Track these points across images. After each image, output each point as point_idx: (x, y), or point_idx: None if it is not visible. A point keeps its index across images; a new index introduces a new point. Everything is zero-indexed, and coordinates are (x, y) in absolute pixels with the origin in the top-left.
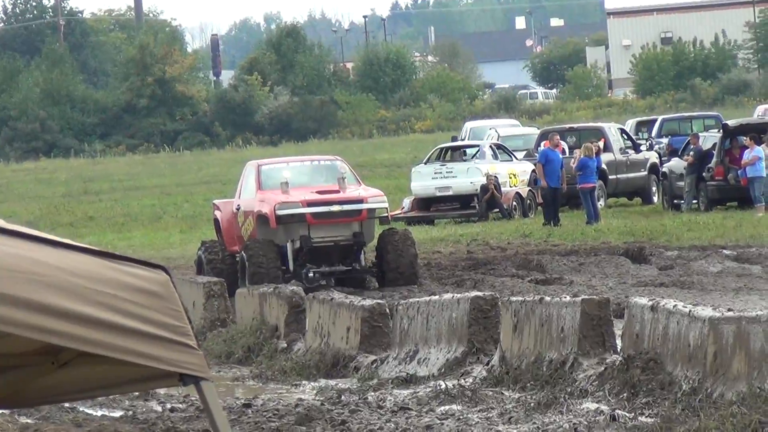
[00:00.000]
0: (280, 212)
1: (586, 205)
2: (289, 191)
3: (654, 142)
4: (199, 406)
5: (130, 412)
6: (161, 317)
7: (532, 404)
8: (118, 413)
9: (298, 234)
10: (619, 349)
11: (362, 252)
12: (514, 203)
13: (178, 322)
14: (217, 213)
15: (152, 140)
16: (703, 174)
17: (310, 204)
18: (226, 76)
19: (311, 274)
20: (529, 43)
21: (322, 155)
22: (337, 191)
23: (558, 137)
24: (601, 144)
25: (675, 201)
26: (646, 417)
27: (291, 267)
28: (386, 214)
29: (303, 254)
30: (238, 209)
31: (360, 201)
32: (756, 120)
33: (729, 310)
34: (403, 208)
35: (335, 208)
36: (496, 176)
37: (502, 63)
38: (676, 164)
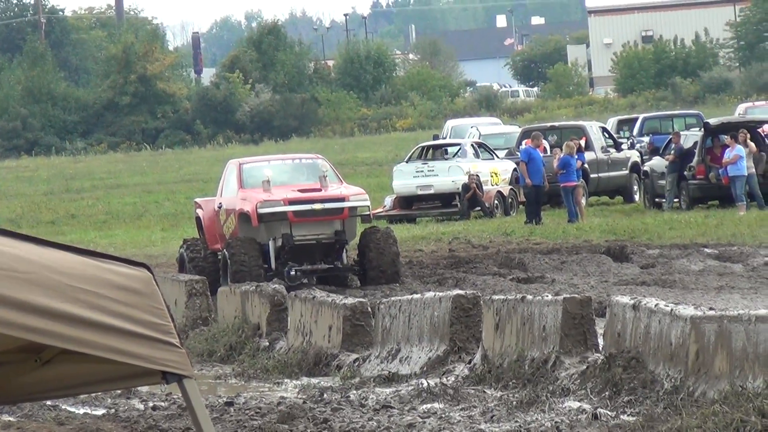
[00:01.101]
0: (261, 210)
1: (567, 203)
2: (271, 190)
3: (635, 141)
4: (181, 404)
5: (113, 410)
6: (144, 315)
7: (514, 403)
8: (100, 411)
9: (279, 232)
10: (601, 348)
11: (344, 250)
12: (496, 202)
13: (161, 320)
14: (199, 211)
15: (134, 138)
16: (685, 173)
17: (291, 202)
18: (208, 74)
19: (293, 273)
20: (508, 41)
21: (304, 154)
22: (319, 189)
23: (542, 138)
24: (582, 142)
25: (656, 199)
26: (628, 415)
27: (273, 265)
28: (368, 213)
29: (285, 252)
30: (219, 207)
31: (342, 199)
32: (737, 118)
33: (710, 308)
34: (385, 206)
35: (317, 206)
36: (477, 175)
37: (482, 61)
38: (658, 163)
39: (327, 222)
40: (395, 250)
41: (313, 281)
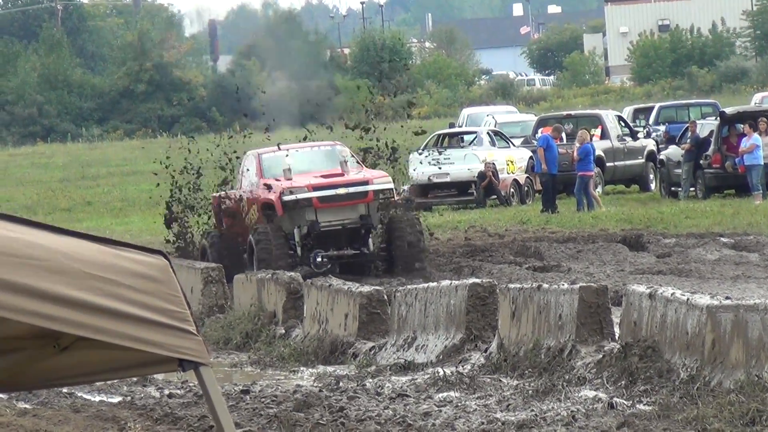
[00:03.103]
0: (286, 198)
1: (578, 192)
2: (293, 177)
3: (651, 130)
4: (197, 392)
5: (129, 398)
6: (160, 302)
7: (530, 391)
8: (116, 399)
9: (304, 219)
10: (617, 337)
11: (370, 236)
12: (512, 190)
13: (177, 307)
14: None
15: (149, 125)
16: (701, 161)
17: (316, 188)
18: (224, 62)
19: (319, 259)
20: (524, 30)
21: (321, 141)
22: (341, 174)
23: (562, 130)
24: (598, 131)
25: (672, 188)
26: (644, 405)
27: (299, 252)
28: (393, 195)
29: (311, 239)
30: (240, 199)
31: (366, 182)
32: (753, 107)
33: (727, 298)
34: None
35: (341, 190)
36: (493, 163)
37: (499, 49)
38: (674, 152)
39: (352, 207)
40: (422, 237)
41: (335, 270)
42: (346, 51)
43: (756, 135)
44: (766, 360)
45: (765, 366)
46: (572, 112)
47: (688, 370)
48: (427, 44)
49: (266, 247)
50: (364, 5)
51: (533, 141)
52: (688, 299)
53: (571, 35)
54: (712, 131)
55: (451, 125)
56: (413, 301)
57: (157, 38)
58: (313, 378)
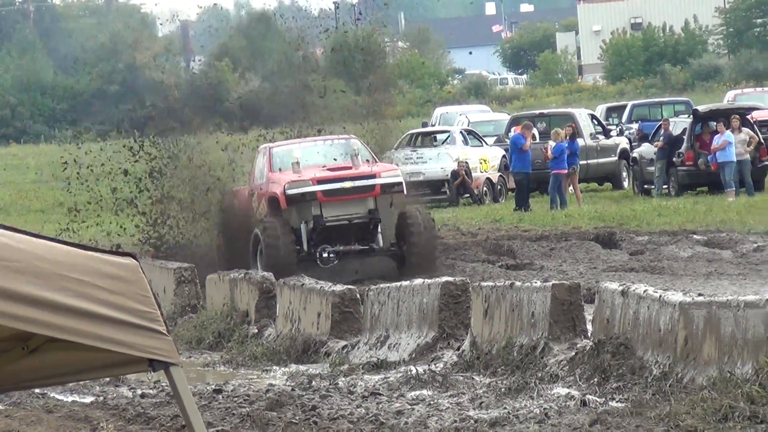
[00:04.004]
0: (290, 192)
1: (552, 191)
2: (301, 171)
3: (624, 128)
4: (169, 391)
5: (101, 398)
6: (130, 303)
7: (502, 389)
8: (88, 399)
9: (310, 214)
10: (589, 334)
11: (378, 230)
12: (485, 189)
13: (147, 307)
14: (235, 200)
15: (122, 126)
16: (674, 159)
17: (320, 181)
18: (196, 63)
19: (326, 255)
20: (497, 29)
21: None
22: (349, 168)
23: (532, 128)
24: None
25: (645, 186)
26: (617, 402)
27: (305, 247)
28: (402, 189)
29: (317, 234)
30: (252, 194)
31: (373, 176)
32: (726, 105)
33: (699, 295)
34: None
35: (347, 184)
36: (466, 162)
37: (472, 49)
38: (647, 149)
39: (359, 200)
40: (434, 233)
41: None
42: (319, 51)
43: (728, 132)
44: (739, 356)
45: (737, 362)
46: (545, 111)
47: (661, 366)
48: (400, 44)
49: (273, 242)
50: (337, 5)
51: (506, 140)
52: (660, 296)
53: (544, 34)
54: (685, 129)
55: (424, 124)
56: (386, 299)
57: (129, 39)
58: (285, 377)
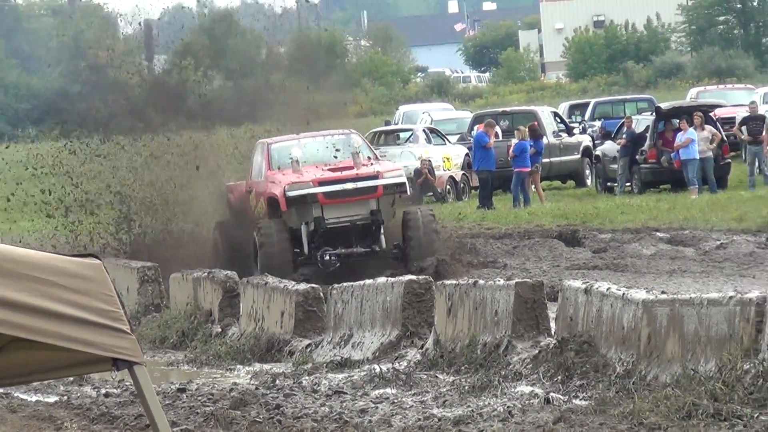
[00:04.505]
0: (290, 193)
1: (515, 189)
2: (301, 170)
3: (587, 125)
4: (134, 391)
5: (65, 398)
6: (94, 302)
7: (466, 387)
8: (52, 398)
9: (311, 215)
10: (553, 332)
11: (381, 232)
12: (448, 187)
13: (111, 306)
14: (230, 195)
15: (86, 126)
16: (637, 157)
17: (321, 183)
18: (159, 62)
19: (327, 257)
20: (459, 27)
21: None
22: (351, 168)
23: (495, 125)
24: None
25: (608, 184)
26: (581, 399)
27: (306, 250)
28: (405, 190)
29: (318, 237)
30: (250, 191)
31: (375, 177)
32: (689, 102)
33: (662, 292)
34: None
35: (349, 185)
36: (429, 160)
37: (434, 47)
38: (610, 147)
39: (361, 202)
40: (437, 233)
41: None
42: (282, 50)
43: (691, 130)
44: (702, 354)
45: (701, 360)
46: (508, 109)
47: (624, 364)
48: (363, 42)
49: (268, 244)
50: (300, 3)
51: (469, 138)
52: (623, 294)
53: (507, 32)
54: (647, 126)
55: (387, 123)
56: (349, 298)
57: (92, 38)
58: (249, 376)
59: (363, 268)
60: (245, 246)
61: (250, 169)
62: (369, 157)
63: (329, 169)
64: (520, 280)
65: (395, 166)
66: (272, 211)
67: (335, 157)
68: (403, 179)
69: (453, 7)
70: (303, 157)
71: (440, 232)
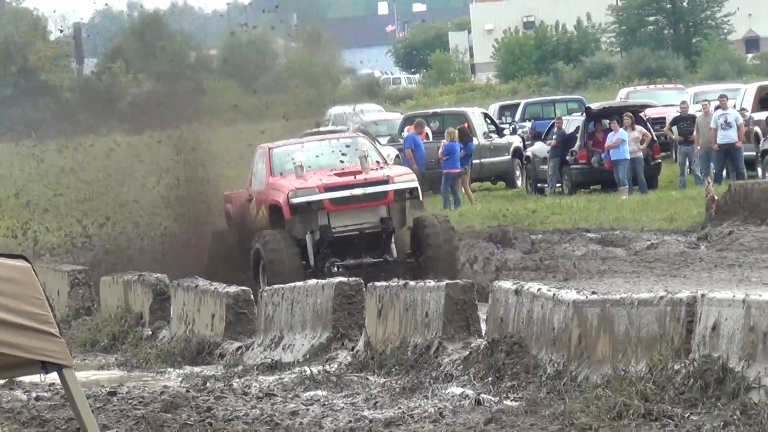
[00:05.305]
0: (294, 200)
1: (444, 191)
2: (305, 175)
3: (517, 126)
4: (64, 394)
5: None
6: (22, 305)
7: (397, 389)
8: None
9: (317, 224)
10: (483, 333)
11: (392, 241)
12: None
13: (40, 310)
14: (228, 205)
15: (16, 130)
16: (567, 157)
17: (328, 188)
18: (89, 64)
19: (335, 269)
20: (389, 29)
21: (341, 133)
22: (359, 172)
23: (425, 125)
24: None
25: (539, 185)
26: (512, 400)
27: (312, 261)
28: (418, 195)
29: (324, 247)
30: (250, 199)
31: (385, 182)
32: (619, 103)
33: (593, 293)
34: None
35: (357, 191)
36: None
37: (365, 49)
38: (540, 148)
39: (370, 209)
40: (454, 240)
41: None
42: (213, 52)
43: (622, 130)
44: (633, 354)
45: (631, 360)
46: (438, 110)
47: (555, 365)
48: (293, 44)
49: (276, 257)
50: (229, 6)
51: (400, 139)
52: (554, 294)
53: (437, 33)
54: (578, 127)
55: (317, 125)
56: (280, 300)
57: (21, 42)
58: (180, 379)
59: (373, 279)
60: (246, 257)
61: (250, 176)
62: (377, 161)
63: (335, 174)
64: (450, 281)
65: (406, 170)
66: (275, 219)
67: (341, 162)
68: (416, 184)
69: (383, 9)
70: (307, 162)
71: (457, 241)
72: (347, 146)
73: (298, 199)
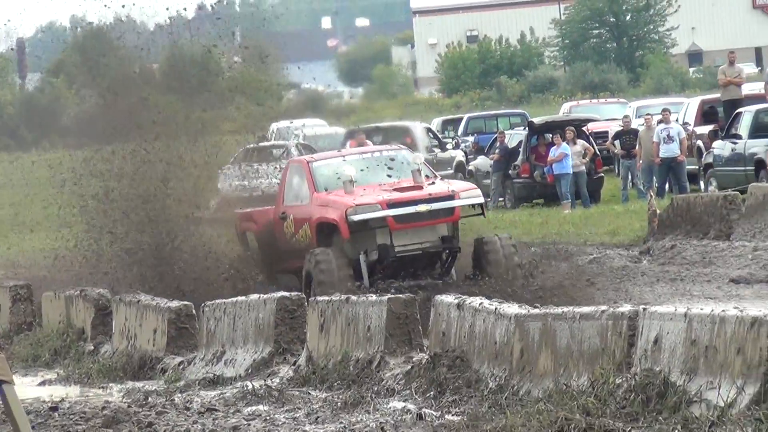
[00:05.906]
0: (354, 218)
1: None
2: (354, 191)
3: (460, 141)
4: (3, 409)
5: None
6: None
7: (338, 404)
8: None
9: (373, 243)
10: (425, 348)
11: (455, 261)
12: None
13: None
14: (249, 225)
15: None
16: (510, 172)
17: (390, 205)
18: (32, 80)
19: (392, 291)
20: (332, 43)
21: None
22: (419, 187)
23: (364, 137)
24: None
25: None
26: (453, 415)
27: (366, 282)
28: (482, 212)
29: (383, 267)
30: (284, 217)
31: (451, 197)
32: (561, 117)
33: (535, 307)
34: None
35: (422, 207)
36: None
37: (308, 63)
38: (483, 162)
39: (431, 227)
40: (517, 262)
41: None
42: (155, 66)
43: (564, 144)
44: (575, 368)
45: (573, 374)
46: (381, 125)
47: (497, 379)
48: (236, 59)
49: (327, 279)
50: (172, 20)
51: None
52: (496, 309)
53: (380, 47)
54: (520, 141)
55: (260, 139)
56: (222, 315)
57: None
58: (122, 394)
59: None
60: (283, 278)
61: (280, 193)
62: (427, 176)
63: (395, 189)
64: (392, 295)
65: (470, 184)
66: (321, 238)
67: (389, 177)
68: (482, 199)
69: (326, 23)
70: (355, 177)
71: (520, 262)
72: (392, 159)
73: (359, 216)
